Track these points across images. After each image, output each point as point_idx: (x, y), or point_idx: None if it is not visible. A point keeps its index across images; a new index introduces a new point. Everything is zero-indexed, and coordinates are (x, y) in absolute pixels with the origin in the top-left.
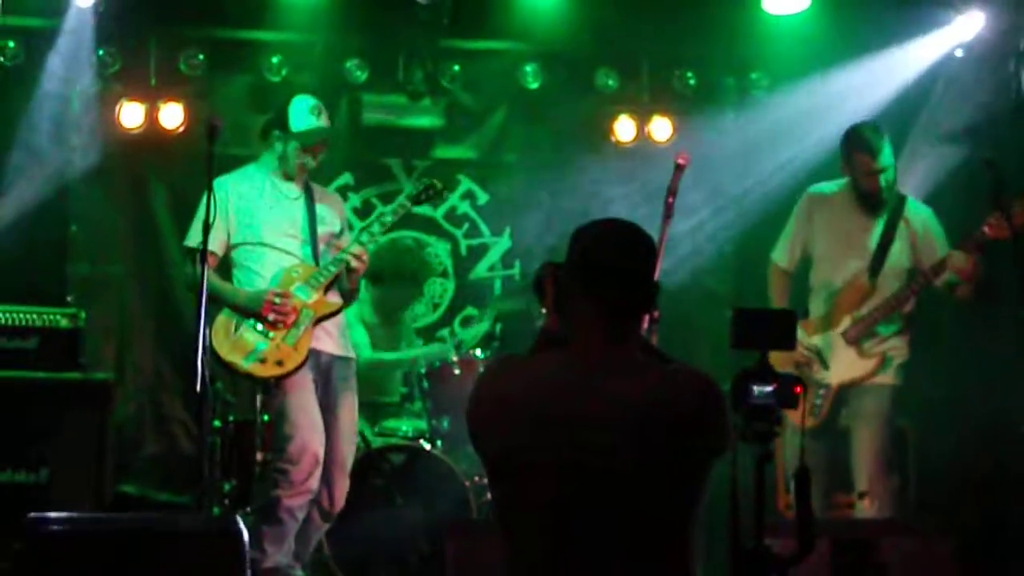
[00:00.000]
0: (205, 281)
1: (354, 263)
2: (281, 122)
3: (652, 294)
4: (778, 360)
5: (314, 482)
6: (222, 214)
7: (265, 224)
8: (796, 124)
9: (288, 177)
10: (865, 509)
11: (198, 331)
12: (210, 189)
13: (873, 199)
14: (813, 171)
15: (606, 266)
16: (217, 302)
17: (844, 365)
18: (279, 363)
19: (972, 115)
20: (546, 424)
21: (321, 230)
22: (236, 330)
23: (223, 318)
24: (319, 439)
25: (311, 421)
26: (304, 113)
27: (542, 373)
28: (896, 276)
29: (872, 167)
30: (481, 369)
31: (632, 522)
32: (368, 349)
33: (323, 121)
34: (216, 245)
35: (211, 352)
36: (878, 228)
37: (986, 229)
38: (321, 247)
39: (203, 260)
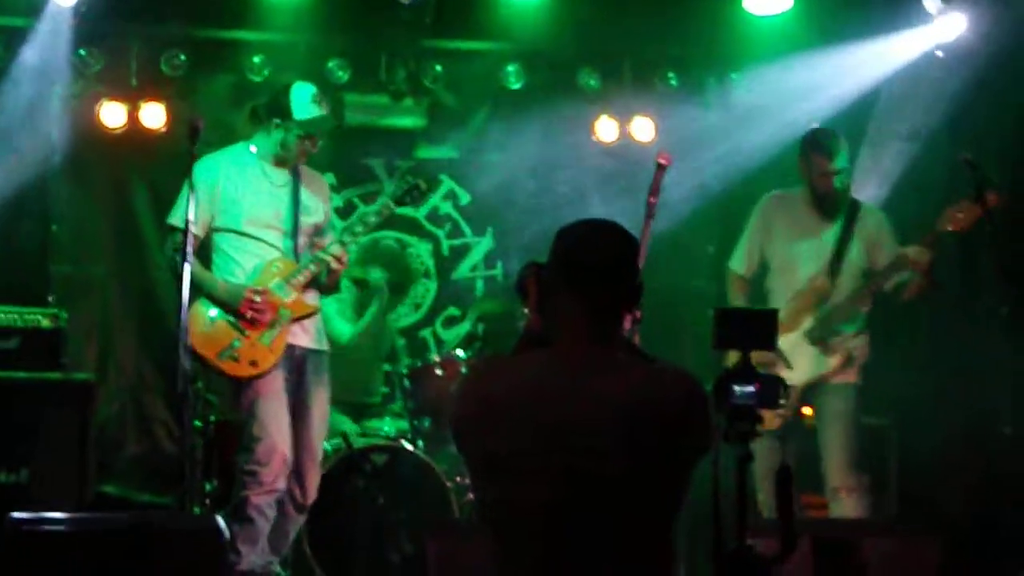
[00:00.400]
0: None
1: (334, 264)
2: (282, 110)
3: (635, 293)
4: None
5: (281, 482)
6: (209, 191)
7: (248, 213)
8: (778, 123)
9: (281, 163)
10: (844, 503)
11: (179, 330)
12: (191, 188)
13: (827, 201)
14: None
15: (589, 265)
16: (197, 289)
17: (809, 363)
18: (253, 363)
19: (946, 114)
20: (531, 426)
21: (304, 221)
22: (212, 323)
23: (200, 307)
24: (287, 443)
25: (280, 425)
26: (307, 102)
27: (526, 374)
28: (853, 276)
29: (826, 168)
30: (463, 370)
31: (621, 523)
32: (348, 334)
33: (324, 109)
34: (199, 226)
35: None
36: (835, 230)
37: (948, 225)
38: (302, 240)
39: (185, 264)
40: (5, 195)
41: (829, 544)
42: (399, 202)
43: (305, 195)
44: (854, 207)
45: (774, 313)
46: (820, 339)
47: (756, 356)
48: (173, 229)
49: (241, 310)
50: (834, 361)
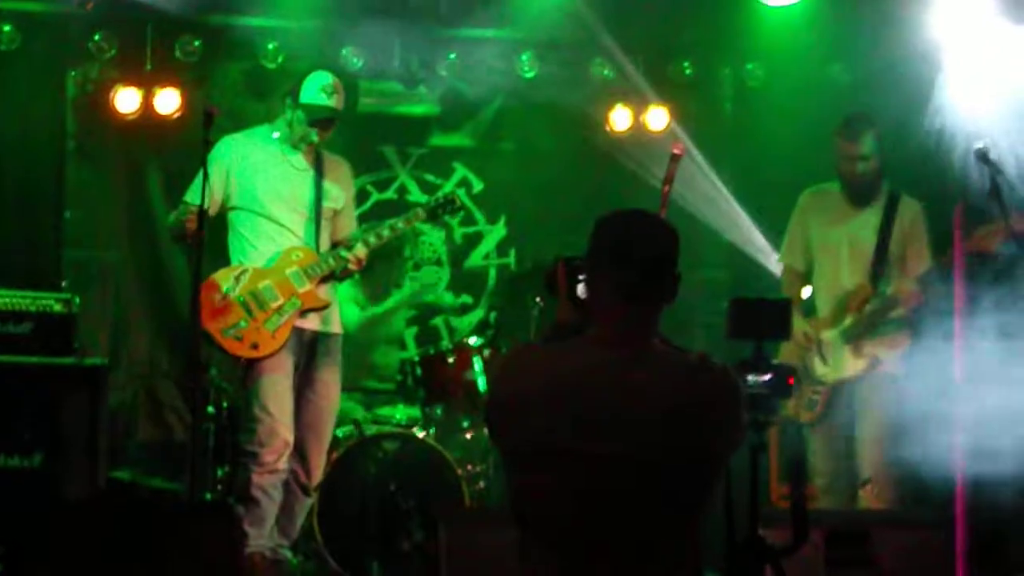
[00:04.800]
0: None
1: (352, 265)
2: (294, 92)
3: (674, 284)
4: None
5: (283, 463)
6: (221, 172)
7: (269, 194)
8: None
9: (297, 148)
10: (867, 497)
11: (192, 315)
12: (205, 176)
13: (856, 188)
14: (809, 161)
15: (634, 255)
16: (172, 235)
17: (840, 363)
18: (254, 346)
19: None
20: (568, 415)
21: (325, 206)
22: (223, 299)
23: (214, 282)
24: (289, 427)
25: (282, 407)
26: (315, 89)
27: (563, 362)
28: (896, 277)
29: (849, 152)
30: (476, 358)
31: (651, 516)
32: (357, 317)
33: (333, 101)
34: (210, 204)
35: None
36: (872, 221)
37: (974, 247)
38: (323, 223)
39: (198, 256)
40: (19, 180)
41: (841, 535)
42: (432, 214)
43: (327, 181)
44: (894, 199)
45: (788, 303)
46: (855, 339)
47: (797, 341)
48: (185, 204)
49: (186, 223)
50: (861, 364)
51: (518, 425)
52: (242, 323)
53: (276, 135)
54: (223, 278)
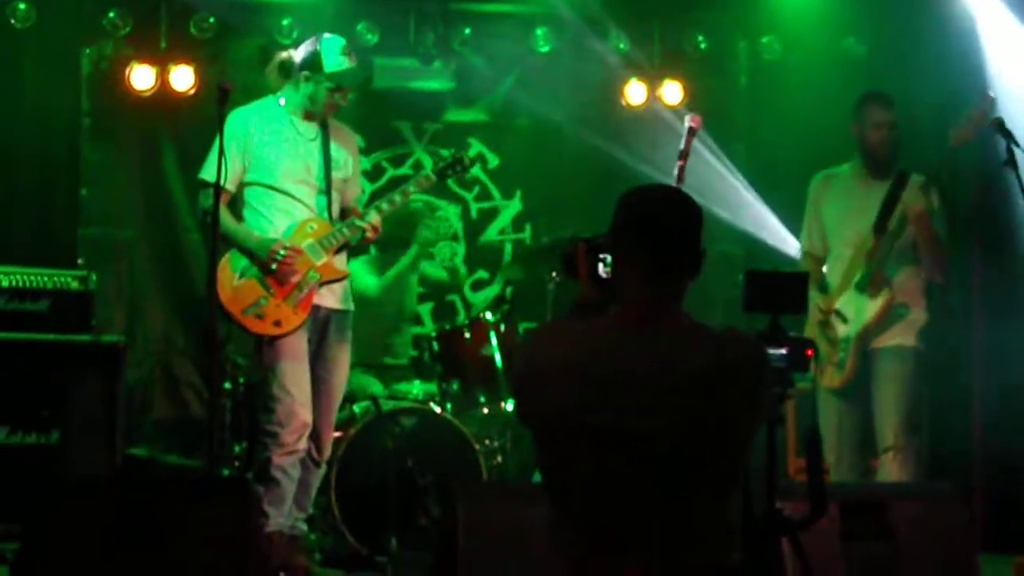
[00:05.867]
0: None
1: (369, 233)
2: (312, 63)
3: (699, 259)
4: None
5: (303, 442)
6: (239, 146)
7: (281, 167)
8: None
9: (310, 117)
10: (889, 466)
11: (209, 289)
12: (221, 152)
13: (880, 156)
14: (824, 136)
15: (659, 230)
16: (227, 242)
17: (860, 312)
18: (277, 323)
19: None
20: (595, 387)
21: (335, 175)
22: (240, 277)
23: (230, 262)
24: (308, 406)
25: (302, 387)
26: (337, 54)
27: (590, 336)
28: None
29: (882, 118)
30: (492, 333)
31: (678, 491)
32: (374, 287)
33: (354, 61)
34: (230, 181)
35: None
36: (882, 191)
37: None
38: (334, 195)
39: (214, 233)
40: (35, 159)
41: (857, 508)
42: (441, 174)
43: (334, 148)
44: (902, 177)
45: (804, 276)
46: (866, 286)
47: (815, 318)
48: (205, 184)
49: (266, 261)
50: (878, 303)
51: (546, 398)
52: (262, 300)
53: (282, 102)
54: (239, 256)
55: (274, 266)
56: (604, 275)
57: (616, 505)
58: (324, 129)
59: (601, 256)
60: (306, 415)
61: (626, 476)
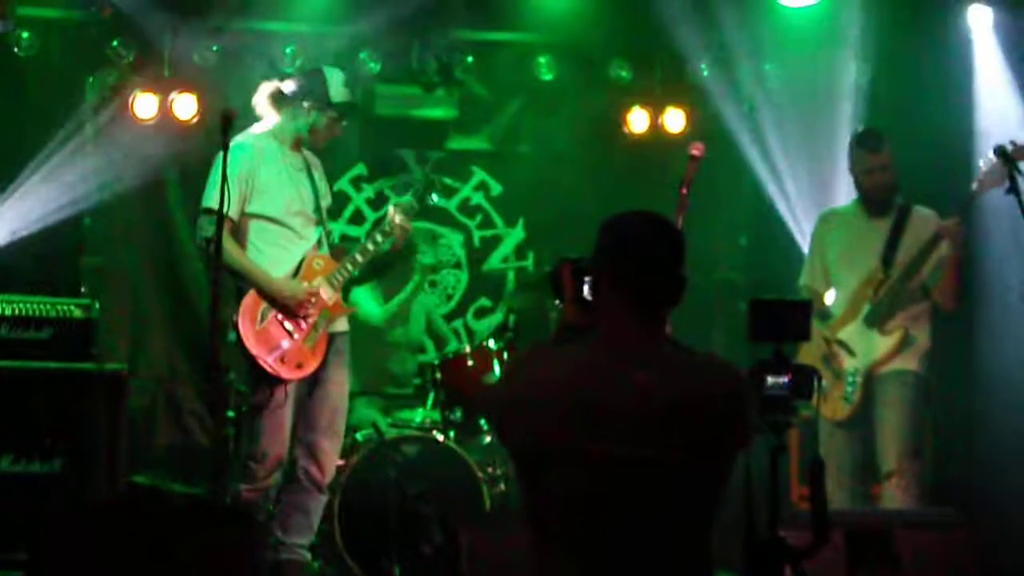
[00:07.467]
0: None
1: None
2: (317, 93)
3: (681, 286)
4: (806, 356)
5: (273, 479)
6: (244, 174)
7: (280, 199)
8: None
9: (296, 147)
10: (891, 491)
11: (212, 315)
12: (224, 180)
13: (875, 198)
14: (826, 164)
15: (637, 256)
16: (239, 277)
17: (869, 347)
18: (299, 366)
19: None
20: (574, 415)
21: (324, 205)
22: (262, 320)
23: (249, 303)
24: (285, 445)
25: (284, 430)
26: (340, 86)
27: (570, 363)
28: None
29: (872, 163)
30: (496, 361)
31: (659, 517)
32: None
33: (354, 96)
34: (233, 210)
35: (237, 337)
36: (885, 227)
37: (978, 187)
38: (326, 224)
39: (217, 254)
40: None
41: (862, 536)
42: (420, 200)
43: (316, 178)
44: (906, 207)
45: (807, 304)
46: (877, 322)
47: (820, 351)
48: (208, 212)
49: (298, 310)
50: (891, 341)
51: (524, 427)
52: (283, 343)
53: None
54: (258, 299)
55: (301, 313)
56: (589, 297)
57: (597, 532)
58: (305, 159)
59: (586, 278)
60: (282, 451)
61: (604, 504)
